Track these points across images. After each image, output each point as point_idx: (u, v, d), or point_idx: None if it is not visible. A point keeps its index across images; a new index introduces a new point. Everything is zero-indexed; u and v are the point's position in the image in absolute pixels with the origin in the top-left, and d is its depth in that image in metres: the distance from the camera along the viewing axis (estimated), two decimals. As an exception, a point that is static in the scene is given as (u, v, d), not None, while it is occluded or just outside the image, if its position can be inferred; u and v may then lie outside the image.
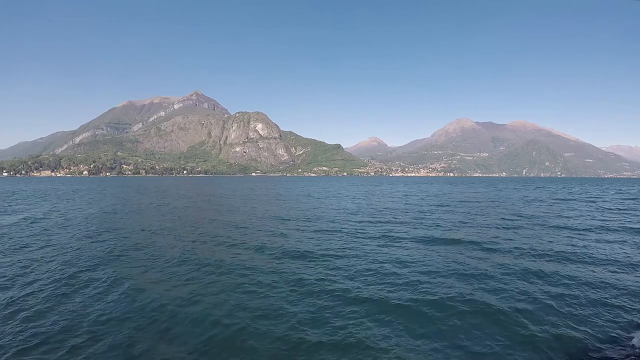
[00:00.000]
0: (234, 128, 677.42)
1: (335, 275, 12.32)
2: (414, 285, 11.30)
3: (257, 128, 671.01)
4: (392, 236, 19.57)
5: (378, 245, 17.21)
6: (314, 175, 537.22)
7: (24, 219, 26.98)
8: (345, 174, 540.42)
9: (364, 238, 19.11)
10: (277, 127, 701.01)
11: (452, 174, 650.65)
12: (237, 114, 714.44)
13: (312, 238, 19.11)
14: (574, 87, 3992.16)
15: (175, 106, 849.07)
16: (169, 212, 31.45)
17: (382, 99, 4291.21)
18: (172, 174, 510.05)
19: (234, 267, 13.41)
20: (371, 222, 25.30)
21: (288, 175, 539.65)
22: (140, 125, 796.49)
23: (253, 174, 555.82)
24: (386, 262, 14.04)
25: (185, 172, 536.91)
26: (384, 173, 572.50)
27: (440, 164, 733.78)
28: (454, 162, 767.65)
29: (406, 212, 31.80)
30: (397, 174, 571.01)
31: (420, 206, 37.55)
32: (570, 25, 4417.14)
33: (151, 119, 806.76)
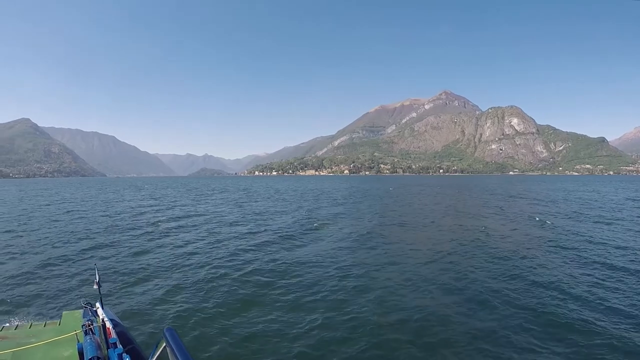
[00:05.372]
0: (487, 125, 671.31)
1: None
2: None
3: (512, 123, 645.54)
4: None
5: None
6: (576, 174, 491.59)
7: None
8: (611, 172, 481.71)
9: None
10: (533, 121, 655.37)
11: None
12: (489, 110, 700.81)
13: None
14: None
15: (426, 106, 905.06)
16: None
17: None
18: (429, 172, 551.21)
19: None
20: None
21: (548, 174, 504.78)
22: (393, 127, 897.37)
23: (510, 172, 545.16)
24: None
25: (441, 171, 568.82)
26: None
27: None
28: None
29: None
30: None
31: None
32: None
33: (403, 121, 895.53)
